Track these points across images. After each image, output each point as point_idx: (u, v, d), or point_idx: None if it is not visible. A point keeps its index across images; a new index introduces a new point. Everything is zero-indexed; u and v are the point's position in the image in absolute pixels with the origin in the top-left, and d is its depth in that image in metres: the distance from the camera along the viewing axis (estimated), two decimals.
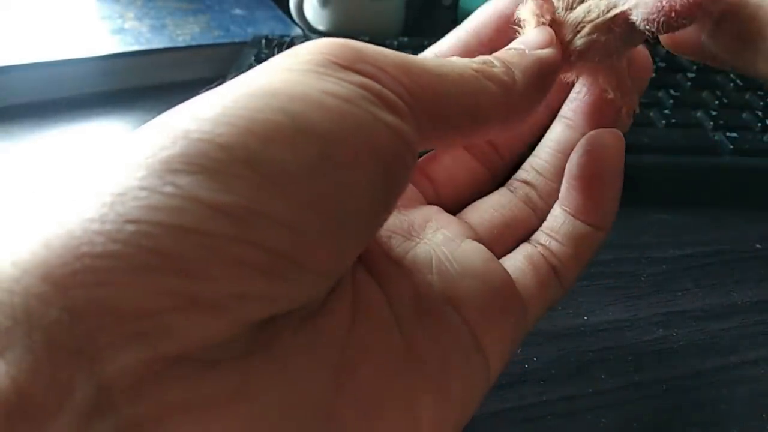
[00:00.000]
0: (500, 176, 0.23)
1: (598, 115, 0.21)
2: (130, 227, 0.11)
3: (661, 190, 0.39)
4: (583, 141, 0.19)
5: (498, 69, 0.17)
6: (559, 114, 0.22)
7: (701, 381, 0.27)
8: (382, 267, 0.18)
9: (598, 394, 0.26)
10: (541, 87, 0.18)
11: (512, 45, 0.19)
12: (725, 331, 0.30)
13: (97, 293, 0.11)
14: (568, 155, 0.20)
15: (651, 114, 0.41)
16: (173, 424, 0.12)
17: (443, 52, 0.21)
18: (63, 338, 0.11)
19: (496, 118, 0.17)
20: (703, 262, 0.34)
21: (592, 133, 0.19)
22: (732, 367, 0.28)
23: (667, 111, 0.41)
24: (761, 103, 0.42)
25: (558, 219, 0.21)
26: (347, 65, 0.15)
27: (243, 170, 0.12)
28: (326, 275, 0.14)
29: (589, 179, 0.19)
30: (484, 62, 0.17)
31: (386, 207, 0.15)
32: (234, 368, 0.13)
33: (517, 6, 0.20)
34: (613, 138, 0.19)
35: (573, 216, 0.20)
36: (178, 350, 0.12)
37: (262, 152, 0.13)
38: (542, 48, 0.19)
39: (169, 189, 0.12)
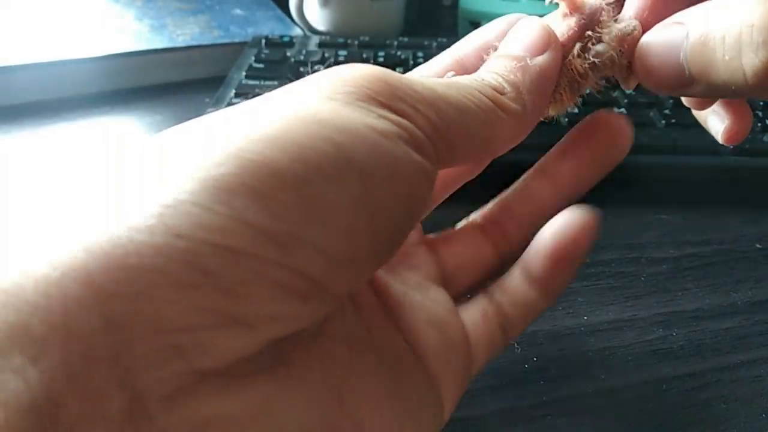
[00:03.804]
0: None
1: (574, 175, 0.22)
2: (180, 243, 0.11)
3: (661, 190, 0.39)
4: (558, 218, 0.20)
5: (509, 96, 0.18)
6: (538, 164, 0.23)
7: (701, 381, 0.27)
8: (365, 303, 0.19)
9: (598, 394, 0.26)
10: (544, 99, 0.20)
11: (514, 48, 0.20)
12: (725, 331, 0.30)
13: (140, 306, 0.11)
14: (541, 208, 0.21)
15: (651, 114, 0.41)
16: None
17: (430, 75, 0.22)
18: (100, 348, 0.11)
19: (507, 144, 0.19)
20: (703, 262, 0.34)
21: (569, 211, 0.20)
22: (732, 367, 0.28)
23: (667, 111, 0.41)
24: (761, 103, 0.42)
25: (514, 281, 0.21)
26: (385, 103, 0.15)
27: (292, 198, 0.13)
28: (338, 297, 0.15)
29: (557, 258, 0.20)
30: (495, 88, 0.18)
31: (403, 238, 0.16)
32: (258, 383, 0.13)
33: (499, 39, 0.21)
34: (586, 221, 0.20)
35: (528, 283, 0.21)
36: (212, 365, 0.12)
37: (311, 182, 0.13)
38: (542, 52, 0.19)
39: (222, 209, 0.12)
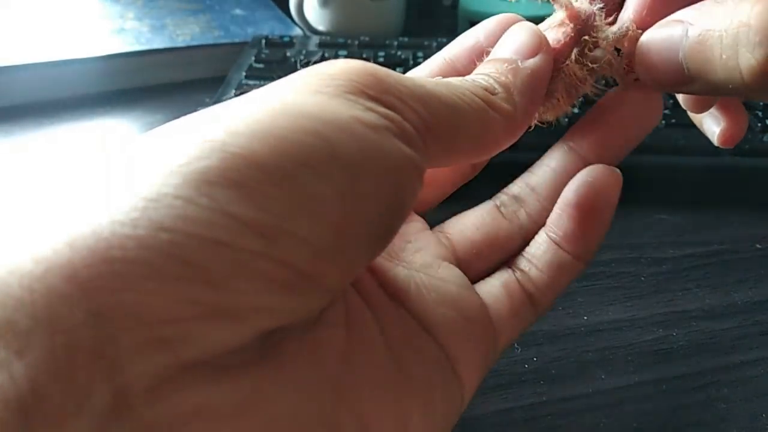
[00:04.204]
0: (480, 169, 0.24)
1: (601, 145, 0.22)
2: (164, 235, 0.11)
3: (661, 190, 0.39)
4: (585, 171, 0.20)
5: (500, 97, 0.18)
6: (562, 138, 0.23)
7: (701, 381, 0.27)
8: (368, 288, 0.19)
9: (598, 394, 0.27)
10: (535, 101, 0.20)
11: (505, 52, 0.20)
12: (725, 331, 0.30)
13: (124, 298, 0.11)
14: (565, 178, 0.21)
15: None
16: (189, 429, 0.12)
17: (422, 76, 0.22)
18: (85, 342, 0.11)
19: (499, 144, 0.19)
20: (703, 262, 0.34)
21: (595, 166, 0.20)
22: (732, 367, 0.28)
23: (667, 111, 0.41)
24: (761, 103, 0.42)
25: (541, 246, 0.21)
26: (374, 95, 0.15)
27: (277, 190, 0.13)
28: (332, 290, 0.15)
29: (585, 209, 0.20)
30: (486, 88, 0.18)
31: (394, 230, 0.16)
32: (246, 375, 0.13)
33: (488, 38, 0.21)
34: (614, 176, 0.20)
35: (557, 244, 0.21)
36: (198, 356, 0.12)
37: (296, 175, 0.13)
38: (534, 55, 0.19)
39: (204, 201, 0.12)
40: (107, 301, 0.11)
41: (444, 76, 0.21)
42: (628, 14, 0.21)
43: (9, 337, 0.10)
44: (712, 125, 0.25)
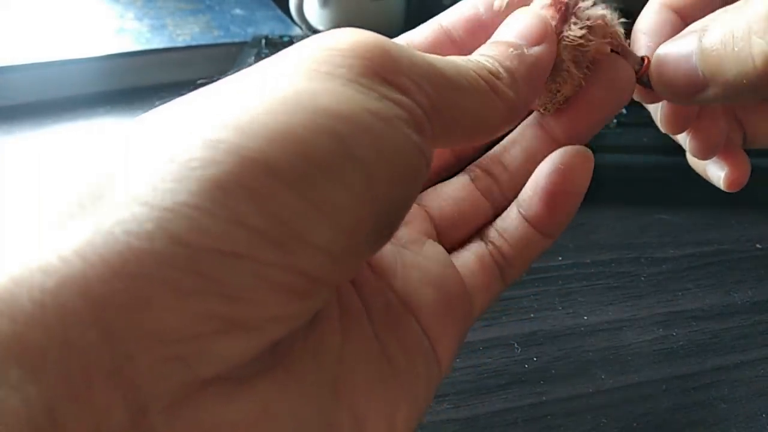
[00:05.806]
0: (465, 162, 0.24)
1: (571, 125, 0.22)
2: (181, 250, 0.11)
3: (661, 190, 0.39)
4: (556, 154, 0.20)
5: (504, 81, 0.18)
6: (532, 117, 0.23)
7: (701, 381, 0.27)
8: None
9: (598, 394, 0.27)
10: (536, 90, 0.19)
11: (511, 36, 0.19)
12: (725, 331, 0.30)
13: (140, 316, 0.11)
14: (536, 158, 0.21)
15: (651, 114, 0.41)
16: None
17: (416, 42, 0.21)
18: (102, 361, 0.10)
19: (497, 129, 0.19)
20: (703, 262, 0.34)
21: (567, 148, 0.20)
22: (732, 367, 0.28)
23: None
24: None
25: (512, 222, 0.21)
26: (388, 78, 0.15)
27: (292, 197, 0.12)
28: (335, 288, 0.15)
29: (556, 194, 0.20)
30: (491, 71, 0.18)
31: (399, 223, 0.16)
32: (259, 386, 0.13)
33: (488, 10, 0.21)
34: (585, 157, 0.20)
35: (527, 222, 0.21)
36: (214, 372, 0.12)
37: (313, 180, 0.13)
38: (539, 43, 0.19)
39: (221, 212, 0.11)
40: (123, 320, 0.11)
41: (438, 44, 0.21)
42: (640, 48, 0.21)
43: (21, 356, 0.10)
44: (716, 171, 0.26)
